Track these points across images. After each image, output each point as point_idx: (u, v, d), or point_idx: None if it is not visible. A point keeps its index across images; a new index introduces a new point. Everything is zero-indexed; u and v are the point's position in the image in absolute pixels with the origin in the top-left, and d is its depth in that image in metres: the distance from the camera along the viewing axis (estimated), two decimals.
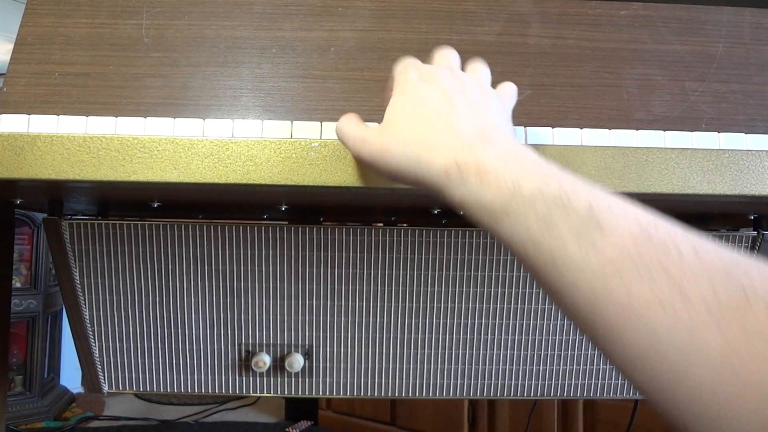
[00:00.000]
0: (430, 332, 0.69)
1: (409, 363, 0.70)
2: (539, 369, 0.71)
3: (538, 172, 0.31)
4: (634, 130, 0.50)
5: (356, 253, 0.66)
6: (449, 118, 0.36)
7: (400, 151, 0.36)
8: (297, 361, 0.68)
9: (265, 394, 0.71)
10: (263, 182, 0.46)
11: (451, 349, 0.70)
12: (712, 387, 0.23)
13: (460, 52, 0.45)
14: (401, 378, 0.70)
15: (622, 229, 0.27)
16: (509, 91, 0.44)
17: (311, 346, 0.69)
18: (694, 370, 0.23)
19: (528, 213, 0.30)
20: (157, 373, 0.70)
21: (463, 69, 0.44)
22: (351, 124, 0.42)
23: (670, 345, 0.24)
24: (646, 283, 0.25)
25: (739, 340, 0.22)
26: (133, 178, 0.46)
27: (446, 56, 0.43)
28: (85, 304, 0.67)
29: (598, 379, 0.71)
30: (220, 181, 0.46)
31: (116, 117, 0.48)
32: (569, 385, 0.71)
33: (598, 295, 0.26)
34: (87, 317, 0.67)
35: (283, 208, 0.62)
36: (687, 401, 0.23)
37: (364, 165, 0.43)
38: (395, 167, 0.37)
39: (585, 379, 0.71)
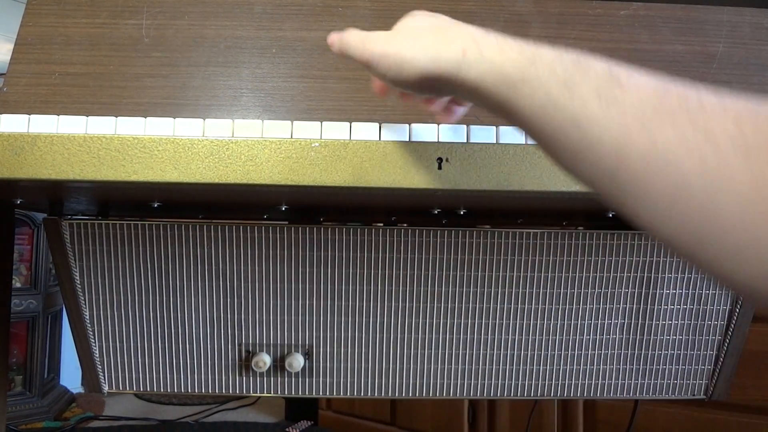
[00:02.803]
0: (430, 332, 0.69)
1: (409, 363, 0.70)
2: (539, 369, 0.71)
3: (553, 46, 0.32)
4: None
5: (356, 253, 0.66)
6: (458, 25, 0.37)
7: (413, 43, 0.36)
8: (297, 361, 0.68)
9: (265, 394, 0.71)
10: (263, 182, 0.46)
11: (451, 349, 0.70)
12: (742, 219, 0.23)
13: None
14: (401, 378, 0.70)
15: (641, 84, 0.28)
16: None
17: (311, 346, 0.69)
18: (724, 206, 0.24)
19: (548, 77, 0.30)
20: (157, 373, 0.70)
21: None
22: (361, 39, 0.40)
23: (698, 185, 0.24)
24: (669, 129, 0.26)
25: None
26: (133, 178, 0.46)
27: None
28: (85, 304, 0.67)
29: (598, 379, 0.71)
30: (220, 181, 0.46)
31: (116, 117, 0.48)
32: (569, 385, 0.71)
33: (623, 147, 0.27)
34: (87, 317, 0.67)
35: (283, 208, 0.62)
36: (718, 238, 0.24)
37: (373, 66, 0.40)
38: (409, 59, 0.36)
39: (585, 379, 0.71)
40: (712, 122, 0.25)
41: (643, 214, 0.27)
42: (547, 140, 0.31)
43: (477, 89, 0.33)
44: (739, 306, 0.70)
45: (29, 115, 0.48)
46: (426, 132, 0.48)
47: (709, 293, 0.70)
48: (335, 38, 0.42)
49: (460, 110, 0.45)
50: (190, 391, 0.70)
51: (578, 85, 0.29)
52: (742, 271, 0.24)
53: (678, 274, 0.69)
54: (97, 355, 0.69)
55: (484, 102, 0.34)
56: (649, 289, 0.69)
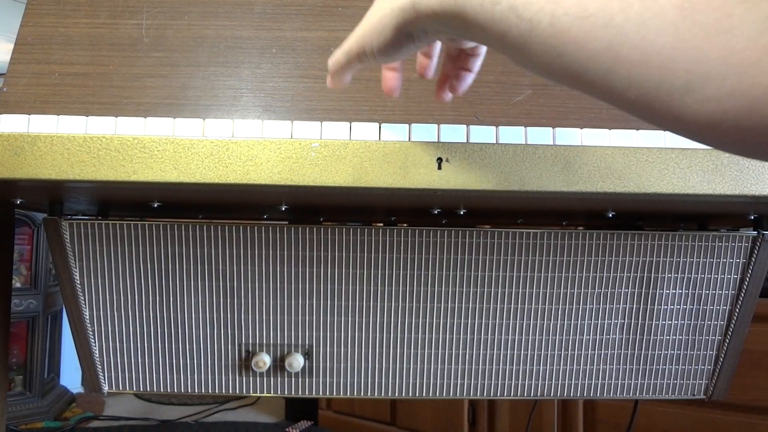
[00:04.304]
0: (430, 332, 0.69)
1: (409, 363, 0.70)
2: (539, 369, 0.71)
3: None
4: (634, 130, 0.50)
5: (356, 253, 0.66)
6: None
7: (376, 10, 0.38)
8: (297, 361, 0.68)
9: (265, 394, 0.71)
10: (263, 182, 0.46)
11: (451, 349, 0.70)
12: (678, 49, 0.24)
13: None
14: (401, 378, 0.70)
15: None
16: None
17: (311, 346, 0.69)
18: (660, 42, 0.24)
19: None
20: (157, 373, 0.70)
21: None
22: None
23: (632, 31, 0.25)
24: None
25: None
26: (133, 178, 0.46)
27: None
28: (85, 304, 0.67)
29: (598, 379, 0.71)
30: (220, 181, 0.46)
31: (116, 117, 0.48)
32: (569, 385, 0.71)
33: (557, 21, 0.27)
34: (87, 317, 0.67)
35: (283, 208, 0.62)
36: (665, 79, 0.24)
37: (360, 49, 0.42)
38: (377, 20, 0.38)
39: (585, 379, 0.71)
40: None
41: (596, 79, 0.27)
42: (501, 40, 0.31)
43: (435, 14, 0.34)
44: (739, 306, 0.70)
45: (29, 115, 0.48)
46: (426, 132, 0.48)
47: (709, 293, 0.70)
48: (329, 78, 0.45)
49: (469, 76, 0.46)
50: (190, 391, 0.70)
51: None
52: (691, 109, 0.24)
53: (678, 274, 0.69)
54: (97, 355, 0.69)
55: (450, 25, 0.34)
56: (649, 289, 0.69)
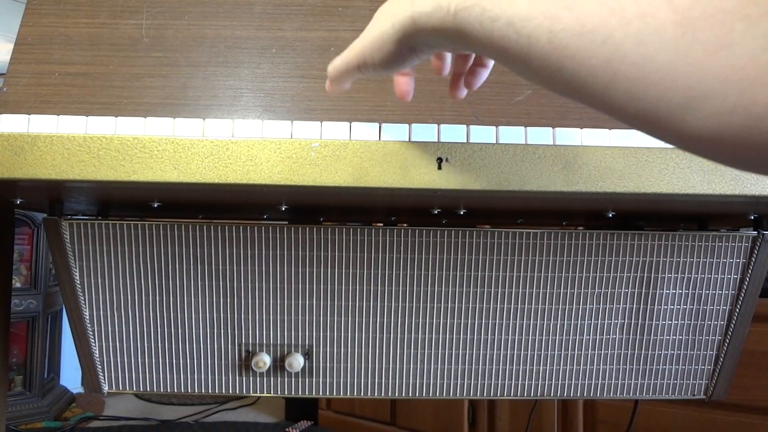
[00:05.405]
0: (430, 332, 0.69)
1: (409, 363, 0.70)
2: (539, 369, 0.71)
3: None
4: (634, 130, 0.50)
5: (356, 253, 0.66)
6: None
7: (377, 24, 0.38)
8: (297, 361, 0.68)
9: (265, 394, 0.71)
10: (263, 182, 0.46)
11: (451, 349, 0.70)
12: (675, 64, 0.23)
13: None
14: (401, 378, 0.70)
15: None
16: None
17: (311, 346, 0.69)
18: (657, 55, 0.24)
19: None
20: (157, 373, 0.70)
21: None
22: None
23: (630, 45, 0.24)
24: (591, 1, 0.26)
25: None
26: (133, 178, 0.46)
27: None
28: (85, 304, 0.67)
29: (598, 379, 0.71)
30: (220, 181, 0.46)
31: (116, 117, 0.48)
32: (569, 385, 0.71)
33: (556, 36, 0.27)
34: (87, 317, 0.67)
35: (283, 208, 0.62)
36: (663, 94, 0.24)
37: (361, 61, 0.42)
38: (379, 35, 0.38)
39: (585, 379, 0.71)
40: None
41: (595, 94, 0.27)
42: (501, 55, 0.31)
43: (434, 30, 0.34)
44: (739, 306, 0.70)
45: (29, 115, 0.48)
46: (426, 132, 0.48)
47: (709, 293, 0.70)
48: (327, 83, 0.45)
49: (485, 71, 0.46)
50: (190, 391, 0.70)
51: None
52: (691, 126, 0.24)
53: (678, 274, 0.69)
54: (97, 355, 0.69)
55: (450, 40, 0.34)
56: (649, 289, 0.69)
